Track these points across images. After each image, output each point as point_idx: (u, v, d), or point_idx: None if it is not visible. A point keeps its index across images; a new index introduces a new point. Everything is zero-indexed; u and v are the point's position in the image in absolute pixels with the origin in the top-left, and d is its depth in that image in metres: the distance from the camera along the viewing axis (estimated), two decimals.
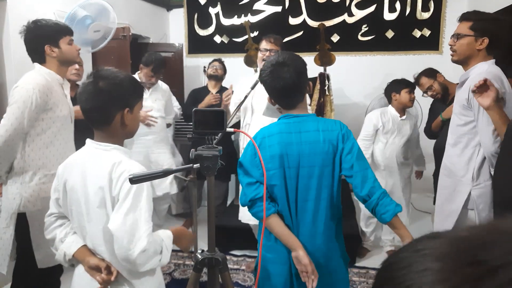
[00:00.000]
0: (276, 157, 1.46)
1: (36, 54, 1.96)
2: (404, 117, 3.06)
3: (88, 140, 1.36)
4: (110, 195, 1.26)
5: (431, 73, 3.09)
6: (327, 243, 1.51)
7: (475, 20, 1.89)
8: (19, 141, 1.87)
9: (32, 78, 1.88)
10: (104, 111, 1.28)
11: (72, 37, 2.03)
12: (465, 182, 2.00)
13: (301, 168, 1.46)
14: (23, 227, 1.93)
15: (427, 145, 3.41)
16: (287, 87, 1.48)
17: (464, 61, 1.96)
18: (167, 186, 3.31)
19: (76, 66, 2.71)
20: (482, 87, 1.73)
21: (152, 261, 1.23)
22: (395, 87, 3.04)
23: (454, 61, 2.01)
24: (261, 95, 2.68)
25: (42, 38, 1.94)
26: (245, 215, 2.72)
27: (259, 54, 2.71)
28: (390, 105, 3.11)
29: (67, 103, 2.05)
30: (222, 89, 3.70)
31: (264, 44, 2.69)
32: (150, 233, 1.23)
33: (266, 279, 1.54)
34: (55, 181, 1.39)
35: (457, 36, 1.94)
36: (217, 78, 3.66)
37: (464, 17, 1.94)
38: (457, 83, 3.08)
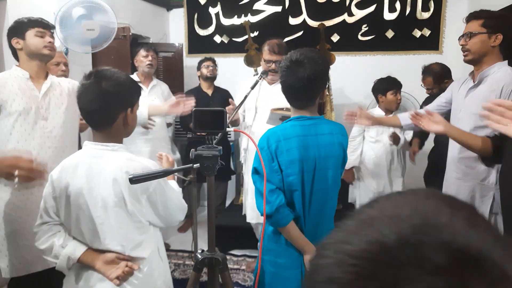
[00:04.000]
0: (296, 161, 1.42)
1: (12, 51, 1.97)
2: (390, 115, 3.06)
3: (86, 142, 1.34)
4: (130, 192, 1.27)
5: (439, 78, 3.04)
6: None
7: (486, 17, 1.86)
8: None
9: None
10: (108, 112, 1.28)
11: (44, 30, 1.97)
12: (487, 186, 1.92)
13: (316, 171, 1.43)
14: None
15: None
16: (298, 88, 1.44)
17: (478, 60, 1.92)
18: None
19: (62, 67, 2.64)
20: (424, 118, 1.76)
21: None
22: (380, 88, 3.04)
23: (467, 61, 1.97)
24: (265, 96, 2.68)
25: (12, 32, 1.94)
26: (250, 214, 2.71)
27: (264, 65, 2.66)
28: (377, 106, 3.13)
29: (31, 97, 1.94)
30: (217, 90, 3.70)
31: (267, 55, 2.61)
32: (179, 194, 1.50)
33: (279, 284, 1.51)
34: (49, 188, 1.35)
35: (469, 35, 1.89)
36: (213, 79, 3.66)
37: (473, 16, 1.91)
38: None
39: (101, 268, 1.30)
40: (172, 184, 1.51)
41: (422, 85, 3.23)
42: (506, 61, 1.91)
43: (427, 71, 3.16)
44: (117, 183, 1.26)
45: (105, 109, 1.27)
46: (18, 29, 1.94)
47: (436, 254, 0.30)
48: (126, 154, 1.32)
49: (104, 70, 1.30)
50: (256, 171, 1.47)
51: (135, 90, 1.37)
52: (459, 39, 1.98)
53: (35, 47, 1.95)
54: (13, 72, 1.95)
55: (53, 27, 2.06)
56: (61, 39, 2.58)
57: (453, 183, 2.07)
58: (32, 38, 1.94)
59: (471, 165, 1.97)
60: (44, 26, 1.99)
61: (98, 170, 1.28)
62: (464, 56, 1.96)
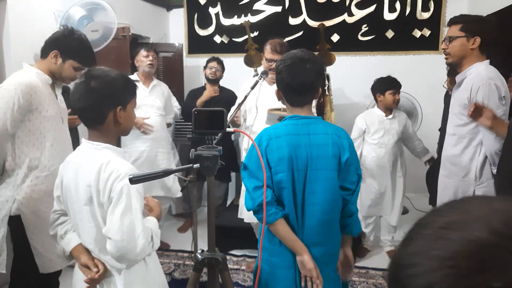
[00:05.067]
0: (285, 159, 1.42)
1: (44, 50, 1.95)
2: (390, 116, 3.05)
3: (83, 139, 1.38)
4: (97, 194, 1.28)
5: None
6: (333, 246, 1.50)
7: (464, 21, 1.95)
8: (4, 143, 1.84)
9: (15, 78, 1.86)
10: (96, 109, 1.31)
11: (83, 67, 1.98)
12: (468, 182, 2.00)
13: (309, 171, 1.43)
14: (19, 228, 1.92)
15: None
16: (303, 86, 1.44)
17: (458, 62, 2.00)
18: (169, 190, 3.30)
19: None
20: (477, 111, 1.79)
21: (146, 251, 1.27)
22: (379, 87, 3.03)
23: (448, 64, 2.08)
24: (265, 96, 2.67)
25: (56, 43, 1.92)
26: (247, 215, 2.71)
27: (265, 64, 2.66)
28: (375, 106, 3.13)
29: (56, 103, 2.01)
30: (221, 90, 3.68)
31: (269, 54, 2.61)
32: (144, 229, 1.27)
33: (272, 283, 1.51)
34: (57, 179, 1.43)
35: (449, 39, 1.99)
36: (216, 81, 3.64)
37: (453, 21, 2.00)
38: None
39: (80, 268, 1.36)
40: (149, 220, 1.40)
41: (445, 85, 3.23)
42: (487, 61, 1.96)
43: (451, 74, 3.15)
44: (89, 183, 1.28)
45: (92, 107, 1.30)
46: (67, 48, 1.92)
47: None
48: (107, 154, 1.32)
49: (95, 70, 1.34)
50: (245, 167, 1.48)
51: (127, 89, 1.37)
52: (442, 43, 2.08)
53: (67, 77, 1.98)
54: (38, 76, 1.94)
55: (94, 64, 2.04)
56: None
57: (441, 180, 2.17)
58: (69, 67, 1.95)
59: (454, 161, 2.05)
60: (88, 64, 1.96)
61: (82, 168, 1.32)
62: (445, 59, 2.06)
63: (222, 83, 3.72)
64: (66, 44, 1.93)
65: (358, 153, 3.12)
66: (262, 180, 1.41)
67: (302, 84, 1.44)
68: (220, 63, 3.63)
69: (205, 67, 3.66)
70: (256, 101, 2.69)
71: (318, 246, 1.46)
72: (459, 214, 0.38)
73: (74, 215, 1.36)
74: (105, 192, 1.26)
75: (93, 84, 1.29)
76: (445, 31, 4.06)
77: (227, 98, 3.50)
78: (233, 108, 2.72)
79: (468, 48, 1.94)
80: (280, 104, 2.42)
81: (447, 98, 3.26)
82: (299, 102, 1.49)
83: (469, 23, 1.93)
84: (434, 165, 3.44)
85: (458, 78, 2.03)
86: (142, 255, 1.26)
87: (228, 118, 2.30)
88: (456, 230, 0.36)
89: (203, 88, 3.72)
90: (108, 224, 1.23)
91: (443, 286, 0.33)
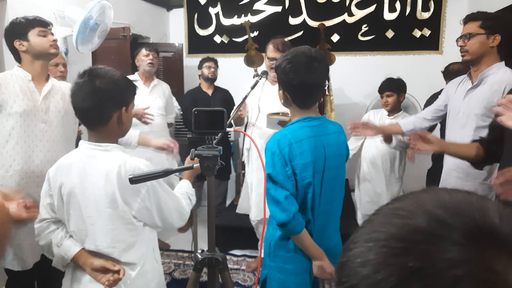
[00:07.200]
0: (310, 164, 1.36)
1: (13, 53, 1.94)
2: (393, 116, 3.05)
3: (82, 142, 1.33)
4: (121, 193, 1.25)
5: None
6: (339, 242, 1.51)
7: (484, 19, 1.89)
8: None
9: None
10: (102, 110, 1.27)
11: (45, 28, 1.95)
12: (489, 185, 1.93)
13: (325, 172, 1.40)
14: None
15: None
16: (314, 86, 1.38)
17: (477, 60, 1.94)
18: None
19: (61, 68, 2.60)
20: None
21: (189, 212, 1.45)
22: (383, 88, 3.03)
23: (466, 61, 1.99)
24: (268, 95, 2.67)
25: (12, 34, 1.91)
26: (254, 213, 2.70)
27: (267, 62, 2.65)
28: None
29: (31, 99, 1.91)
30: (217, 89, 3.69)
31: (271, 52, 2.60)
32: (184, 197, 1.44)
33: None
34: (45, 186, 1.36)
35: (468, 36, 1.91)
36: (213, 80, 3.65)
37: (471, 18, 1.93)
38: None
39: (90, 273, 1.30)
40: (182, 185, 1.50)
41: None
42: (504, 62, 1.93)
43: (449, 73, 3.11)
44: (109, 184, 1.25)
45: (99, 108, 1.26)
46: (18, 30, 1.91)
47: (467, 226, 0.34)
48: (119, 154, 1.30)
49: (98, 69, 1.29)
50: (270, 177, 1.39)
51: (130, 89, 1.35)
52: (457, 40, 2.00)
53: (41, 47, 1.93)
54: (15, 73, 1.93)
55: (51, 24, 2.03)
56: (80, 45, 2.61)
57: (454, 182, 2.08)
58: (35, 38, 1.91)
59: None
60: (44, 25, 1.95)
61: (91, 171, 1.28)
62: (462, 56, 1.98)
63: (222, 83, 3.72)
64: (14, 29, 1.92)
65: (357, 148, 3.16)
66: (290, 189, 1.36)
67: (313, 84, 1.37)
68: (216, 63, 3.65)
69: (200, 67, 3.66)
70: (259, 101, 2.69)
71: (333, 248, 1.46)
72: (409, 201, 0.40)
73: (82, 221, 1.30)
74: (129, 189, 1.24)
75: (98, 83, 1.24)
76: (445, 31, 4.07)
77: (223, 97, 3.52)
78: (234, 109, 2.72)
79: (488, 46, 1.88)
80: (278, 108, 2.42)
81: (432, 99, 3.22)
82: (308, 103, 1.43)
83: (489, 20, 1.87)
84: (435, 164, 3.44)
85: (480, 77, 1.95)
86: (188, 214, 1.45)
87: (231, 116, 2.29)
88: (401, 215, 0.38)
89: (199, 88, 3.71)
90: (165, 219, 1.35)
91: (374, 262, 0.35)
